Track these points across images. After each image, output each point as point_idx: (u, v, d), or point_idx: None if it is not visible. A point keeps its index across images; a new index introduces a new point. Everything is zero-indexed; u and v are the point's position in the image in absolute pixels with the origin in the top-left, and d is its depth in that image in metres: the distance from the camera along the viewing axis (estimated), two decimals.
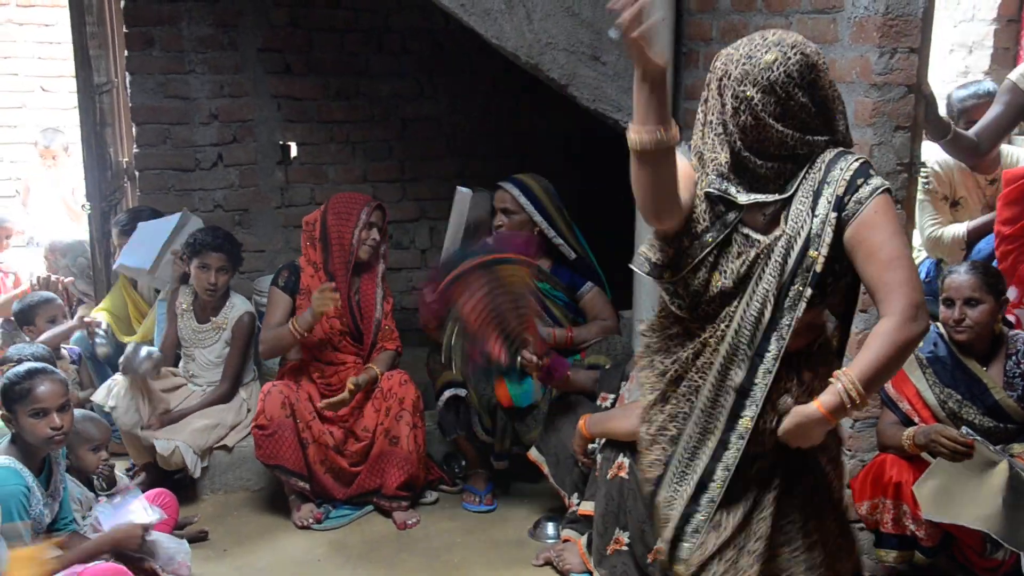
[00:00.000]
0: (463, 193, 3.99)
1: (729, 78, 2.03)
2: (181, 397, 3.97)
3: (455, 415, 3.73)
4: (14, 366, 3.02)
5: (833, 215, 1.98)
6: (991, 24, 5.10)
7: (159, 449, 3.71)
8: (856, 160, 2.01)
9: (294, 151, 4.95)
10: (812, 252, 1.99)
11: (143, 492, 3.29)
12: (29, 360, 3.19)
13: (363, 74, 4.95)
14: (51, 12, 6.69)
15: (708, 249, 2.06)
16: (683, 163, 2.10)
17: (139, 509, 3.04)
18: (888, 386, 3.08)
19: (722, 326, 2.07)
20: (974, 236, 3.85)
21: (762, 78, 1.98)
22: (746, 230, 2.06)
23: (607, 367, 3.64)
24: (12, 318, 4.36)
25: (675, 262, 2.09)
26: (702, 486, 2.10)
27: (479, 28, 3.84)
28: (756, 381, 2.04)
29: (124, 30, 4.58)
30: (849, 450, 3.19)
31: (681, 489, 2.13)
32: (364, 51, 4.91)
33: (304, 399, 3.69)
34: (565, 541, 3.38)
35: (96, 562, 2.83)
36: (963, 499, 2.81)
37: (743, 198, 2.04)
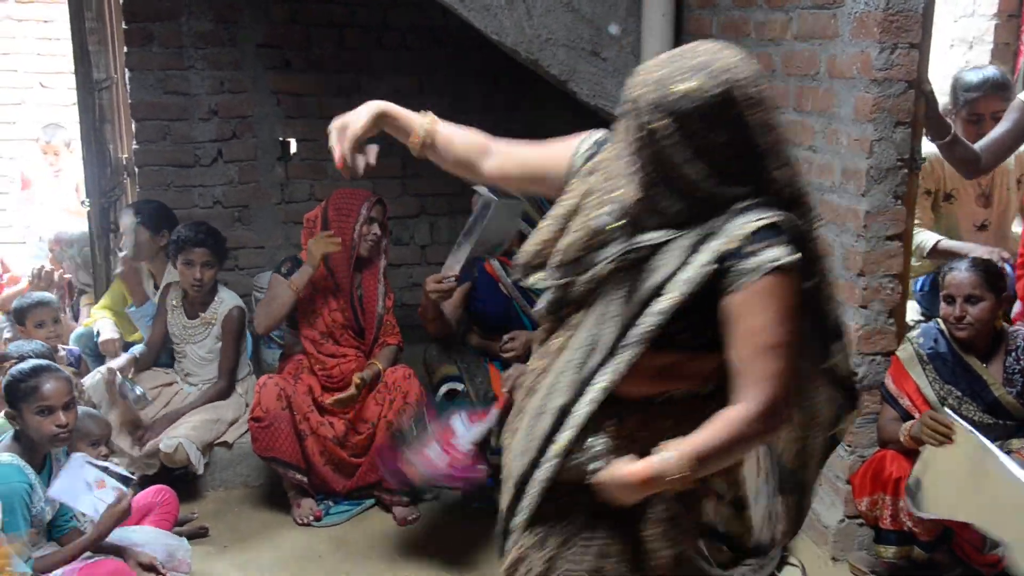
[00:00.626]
0: (486, 199, 3.26)
1: (638, 104, 1.73)
2: (170, 395, 3.98)
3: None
4: (15, 363, 3.01)
5: (711, 268, 1.71)
6: (991, 20, 5.09)
7: (163, 447, 3.70)
8: (765, 219, 1.70)
9: (294, 147, 4.94)
10: (668, 296, 1.73)
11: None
12: (31, 357, 3.17)
13: (363, 70, 4.94)
14: (50, 8, 6.68)
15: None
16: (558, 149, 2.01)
17: (90, 471, 2.94)
18: (889, 381, 3.08)
19: (568, 335, 1.88)
20: (944, 255, 3.56)
21: (676, 107, 1.68)
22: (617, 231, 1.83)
23: None
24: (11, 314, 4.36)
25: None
26: (520, 490, 1.93)
27: (479, 24, 3.84)
28: (577, 409, 1.84)
29: (123, 26, 4.57)
30: (849, 446, 3.20)
31: (508, 484, 1.98)
32: (364, 47, 4.90)
33: (303, 392, 3.68)
34: None
35: (96, 558, 2.84)
36: (951, 492, 2.81)
37: (643, 237, 1.78)
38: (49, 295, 4.38)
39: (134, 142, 4.70)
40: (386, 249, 3.88)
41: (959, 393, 3.01)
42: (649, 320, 1.75)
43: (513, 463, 1.97)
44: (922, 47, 2.97)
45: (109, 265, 4.62)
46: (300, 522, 3.66)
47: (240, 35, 4.68)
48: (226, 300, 4.03)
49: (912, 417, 3.01)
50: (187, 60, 4.62)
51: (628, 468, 1.76)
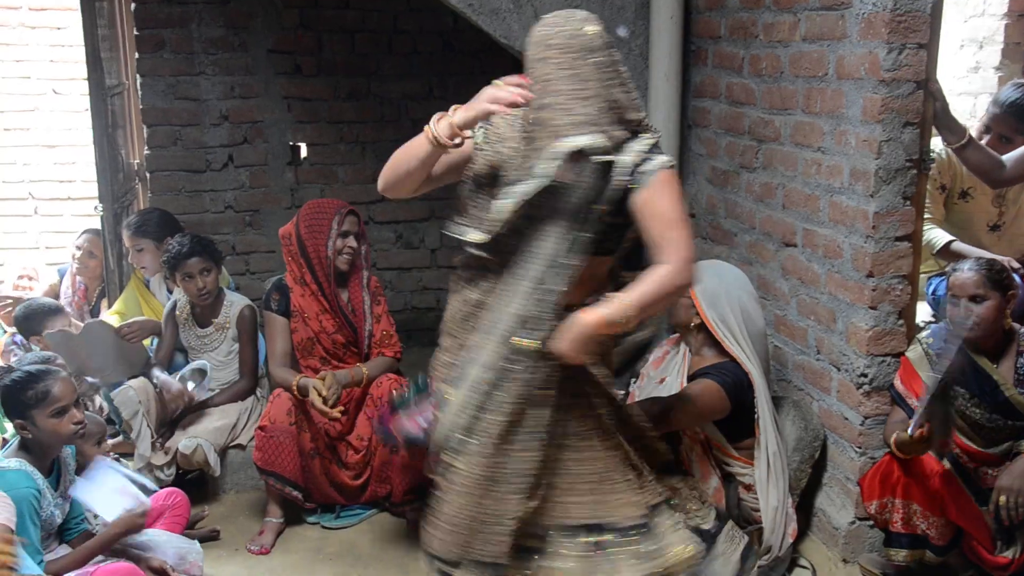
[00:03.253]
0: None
1: (569, 45, 2.31)
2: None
3: None
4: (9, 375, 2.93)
5: (626, 178, 2.29)
6: (1002, 19, 5.07)
7: (181, 448, 3.72)
8: (651, 139, 2.35)
9: (304, 152, 4.97)
10: (597, 206, 2.29)
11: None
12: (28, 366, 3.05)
13: (373, 75, 4.96)
14: (63, 15, 6.72)
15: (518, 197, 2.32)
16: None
17: (115, 477, 2.97)
18: (897, 382, 3.07)
19: (514, 259, 2.36)
20: (953, 257, 3.56)
21: (595, 46, 2.31)
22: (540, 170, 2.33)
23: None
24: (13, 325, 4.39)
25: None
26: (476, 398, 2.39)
27: (488, 27, 3.85)
28: (534, 311, 2.31)
29: (135, 32, 4.61)
30: (859, 447, 3.19)
31: (464, 393, 2.41)
32: (374, 52, 4.92)
33: (314, 410, 3.67)
34: None
35: (108, 562, 2.85)
36: None
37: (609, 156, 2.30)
38: (57, 303, 4.40)
39: (146, 147, 4.74)
40: (366, 256, 3.80)
41: (968, 394, 2.99)
42: (588, 228, 2.29)
43: (464, 376, 2.40)
44: (930, 47, 2.96)
45: (122, 270, 4.64)
46: (251, 548, 3.55)
47: (251, 41, 4.71)
48: (236, 301, 4.05)
49: None
50: (198, 66, 4.65)
51: (581, 319, 2.26)
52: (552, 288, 2.30)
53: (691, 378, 3.23)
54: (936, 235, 3.63)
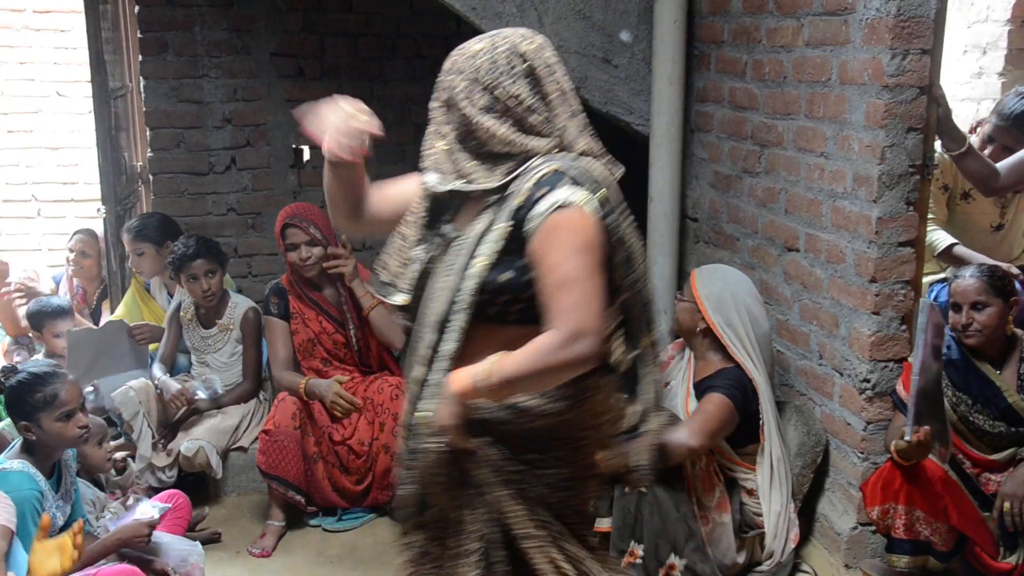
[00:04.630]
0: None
1: (443, 72, 2.01)
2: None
3: None
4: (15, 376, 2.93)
5: (507, 226, 1.90)
6: (1005, 25, 5.07)
7: (183, 450, 3.72)
8: (546, 169, 1.89)
9: (307, 155, 4.97)
10: (477, 260, 1.92)
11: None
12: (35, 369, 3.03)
13: (376, 78, 4.96)
14: (67, 18, 6.73)
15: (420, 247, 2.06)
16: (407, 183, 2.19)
17: (145, 507, 3.05)
18: (900, 388, 3.06)
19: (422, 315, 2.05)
20: (954, 260, 3.59)
21: (468, 66, 1.95)
22: (447, 227, 2.05)
23: None
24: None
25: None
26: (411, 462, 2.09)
27: (490, 32, 3.85)
28: (430, 378, 1.99)
29: (138, 35, 4.61)
30: (862, 452, 3.18)
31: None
32: (377, 56, 4.92)
33: (319, 413, 3.68)
34: None
35: (109, 564, 2.85)
36: None
37: (440, 186, 1.98)
38: (66, 303, 4.40)
39: (149, 150, 4.74)
40: (331, 255, 3.72)
41: (971, 400, 2.99)
42: (467, 285, 1.92)
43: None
44: (934, 53, 2.96)
45: (124, 272, 4.65)
46: (252, 551, 3.55)
47: (254, 44, 4.71)
48: (240, 303, 4.06)
49: None
50: (201, 68, 4.66)
51: (449, 382, 1.93)
52: (443, 353, 1.97)
53: (697, 387, 3.22)
54: (938, 237, 3.63)
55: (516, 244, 1.89)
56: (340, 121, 2.04)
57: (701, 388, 3.21)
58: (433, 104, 2.02)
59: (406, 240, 2.09)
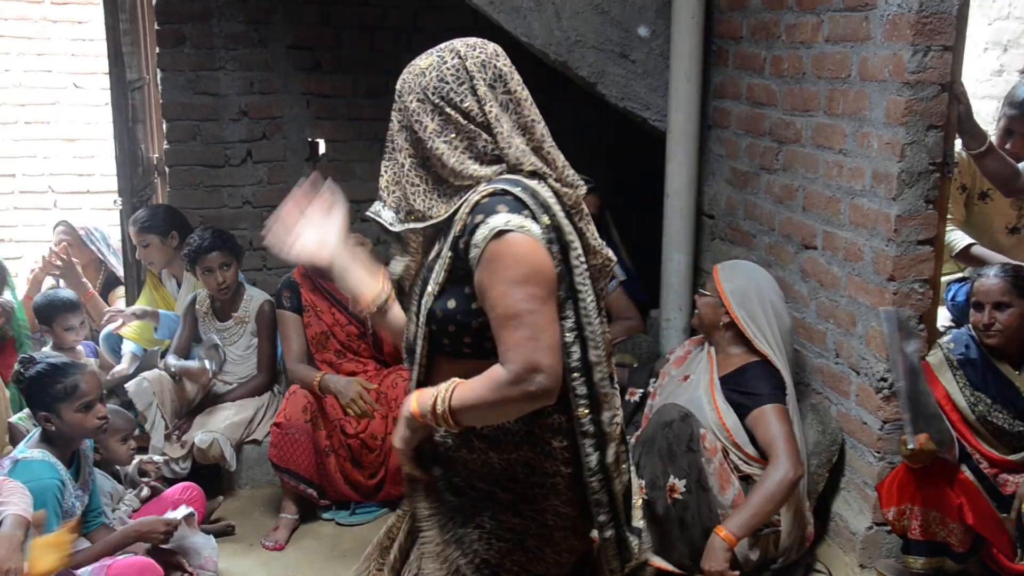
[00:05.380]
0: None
1: (396, 94, 1.89)
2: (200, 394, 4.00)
3: None
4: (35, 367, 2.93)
5: (449, 256, 1.80)
6: None
7: (197, 442, 3.73)
8: (482, 194, 1.76)
9: (323, 148, 4.97)
10: (427, 288, 1.84)
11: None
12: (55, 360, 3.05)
13: (392, 72, 4.84)
14: (85, 9, 6.76)
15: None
16: None
17: (178, 510, 3.07)
18: None
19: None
20: (972, 261, 3.60)
21: (417, 85, 1.83)
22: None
23: (634, 365, 3.62)
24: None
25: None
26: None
27: (508, 26, 3.84)
28: (405, 405, 1.92)
29: (156, 27, 4.62)
30: (878, 452, 3.16)
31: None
32: (394, 49, 4.92)
33: (331, 407, 3.68)
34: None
35: (125, 555, 2.86)
36: None
37: (397, 226, 1.87)
38: (74, 296, 4.40)
39: (165, 142, 4.75)
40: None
41: (989, 400, 2.97)
42: (422, 314, 1.84)
43: None
44: (956, 50, 2.93)
45: (140, 265, 4.66)
46: (265, 544, 3.55)
47: (271, 36, 4.71)
48: (256, 296, 4.07)
49: None
50: (218, 61, 4.66)
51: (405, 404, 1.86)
52: (412, 381, 1.93)
53: (724, 382, 3.21)
54: (956, 237, 3.61)
55: (462, 273, 1.79)
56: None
57: (730, 386, 3.20)
58: (391, 128, 1.90)
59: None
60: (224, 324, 4.04)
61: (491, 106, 1.80)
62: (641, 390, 3.48)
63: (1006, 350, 2.97)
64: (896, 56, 2.93)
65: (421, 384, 1.90)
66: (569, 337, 1.79)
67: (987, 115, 4.93)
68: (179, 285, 4.35)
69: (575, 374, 1.81)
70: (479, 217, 1.74)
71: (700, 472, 3.01)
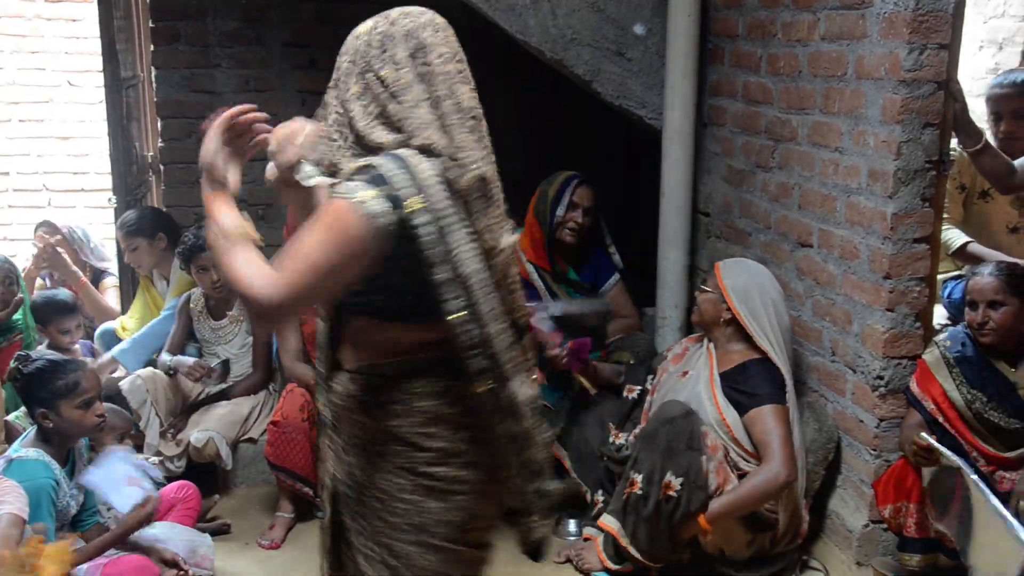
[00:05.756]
0: None
1: (339, 55, 1.95)
2: (197, 392, 3.99)
3: None
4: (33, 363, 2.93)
5: None
6: (1022, 21, 5.03)
7: (193, 440, 3.72)
8: (362, 162, 1.80)
9: None
10: None
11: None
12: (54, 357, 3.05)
13: None
14: (79, 7, 6.74)
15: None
16: None
17: (125, 467, 2.95)
18: (914, 385, 3.05)
19: None
20: (969, 259, 3.60)
21: (350, 47, 1.91)
22: None
23: (631, 363, 3.63)
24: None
25: None
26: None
27: (504, 23, 3.84)
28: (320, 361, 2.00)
29: (150, 24, 4.61)
30: (875, 450, 3.17)
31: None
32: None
33: None
34: (586, 540, 3.37)
35: (120, 554, 2.86)
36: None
37: (310, 181, 1.93)
38: (72, 299, 4.37)
39: (159, 140, 4.73)
40: None
41: (986, 397, 2.97)
42: None
43: None
44: (952, 48, 2.93)
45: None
46: (261, 542, 3.55)
47: (266, 34, 4.70)
48: None
49: (936, 421, 2.98)
50: (213, 58, 4.65)
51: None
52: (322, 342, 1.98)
53: (724, 378, 3.21)
54: (953, 235, 3.61)
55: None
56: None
57: (730, 383, 3.20)
58: (329, 87, 1.95)
59: None
60: (219, 323, 4.03)
61: (405, 74, 1.82)
62: (639, 387, 3.48)
63: (1002, 348, 2.97)
64: (892, 54, 2.93)
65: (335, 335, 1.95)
66: (463, 315, 1.77)
67: (983, 113, 4.93)
68: (167, 284, 4.34)
69: (473, 351, 1.79)
70: (346, 184, 1.78)
71: (698, 471, 3.01)
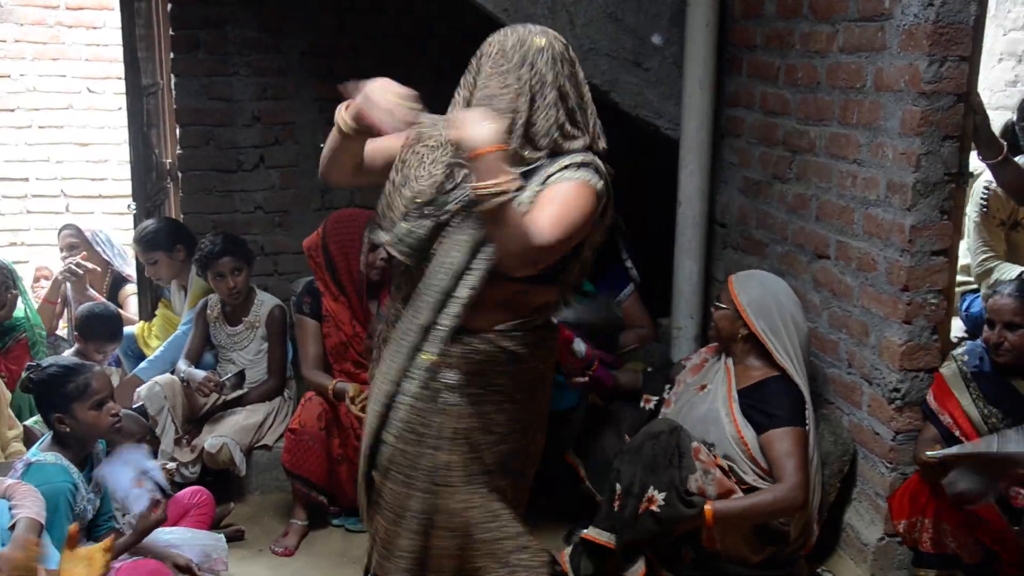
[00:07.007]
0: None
1: (508, 57, 2.25)
2: (213, 399, 3.99)
3: None
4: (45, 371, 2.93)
5: (537, 189, 2.18)
6: None
7: (207, 447, 3.73)
8: (580, 156, 2.22)
9: None
10: None
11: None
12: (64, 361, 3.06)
13: (405, 79, 4.92)
14: (99, 14, 6.78)
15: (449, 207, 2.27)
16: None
17: (137, 464, 2.96)
18: (931, 399, 3.03)
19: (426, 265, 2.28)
20: None
21: (543, 62, 2.21)
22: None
23: (647, 370, 3.61)
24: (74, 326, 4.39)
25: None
26: (388, 406, 2.33)
27: (516, 25, 3.83)
28: (440, 322, 2.24)
29: (170, 32, 4.64)
30: (890, 463, 3.15)
31: (375, 408, 2.36)
32: (406, 56, 4.92)
33: (345, 415, 3.66)
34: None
35: (135, 558, 2.86)
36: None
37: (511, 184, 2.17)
38: (121, 328, 4.38)
39: (178, 147, 4.76)
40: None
41: (1002, 414, 2.95)
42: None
43: (378, 388, 2.35)
44: (972, 60, 2.92)
45: None
46: (275, 549, 3.56)
47: (284, 43, 4.73)
48: (266, 301, 4.07)
49: (952, 435, 2.96)
50: (232, 66, 4.67)
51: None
52: (457, 299, 2.22)
53: (742, 395, 3.19)
54: (1008, 270, 3.63)
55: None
56: (389, 104, 2.33)
57: (749, 400, 3.17)
58: (503, 91, 2.23)
59: (419, 195, 2.30)
60: (235, 329, 4.05)
61: (585, 89, 2.29)
62: (656, 397, 3.46)
63: (1019, 366, 2.95)
64: (912, 66, 2.93)
65: (471, 302, 2.23)
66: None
67: (1001, 126, 4.92)
68: (186, 295, 4.36)
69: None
70: (569, 168, 2.20)
71: (684, 487, 2.97)
